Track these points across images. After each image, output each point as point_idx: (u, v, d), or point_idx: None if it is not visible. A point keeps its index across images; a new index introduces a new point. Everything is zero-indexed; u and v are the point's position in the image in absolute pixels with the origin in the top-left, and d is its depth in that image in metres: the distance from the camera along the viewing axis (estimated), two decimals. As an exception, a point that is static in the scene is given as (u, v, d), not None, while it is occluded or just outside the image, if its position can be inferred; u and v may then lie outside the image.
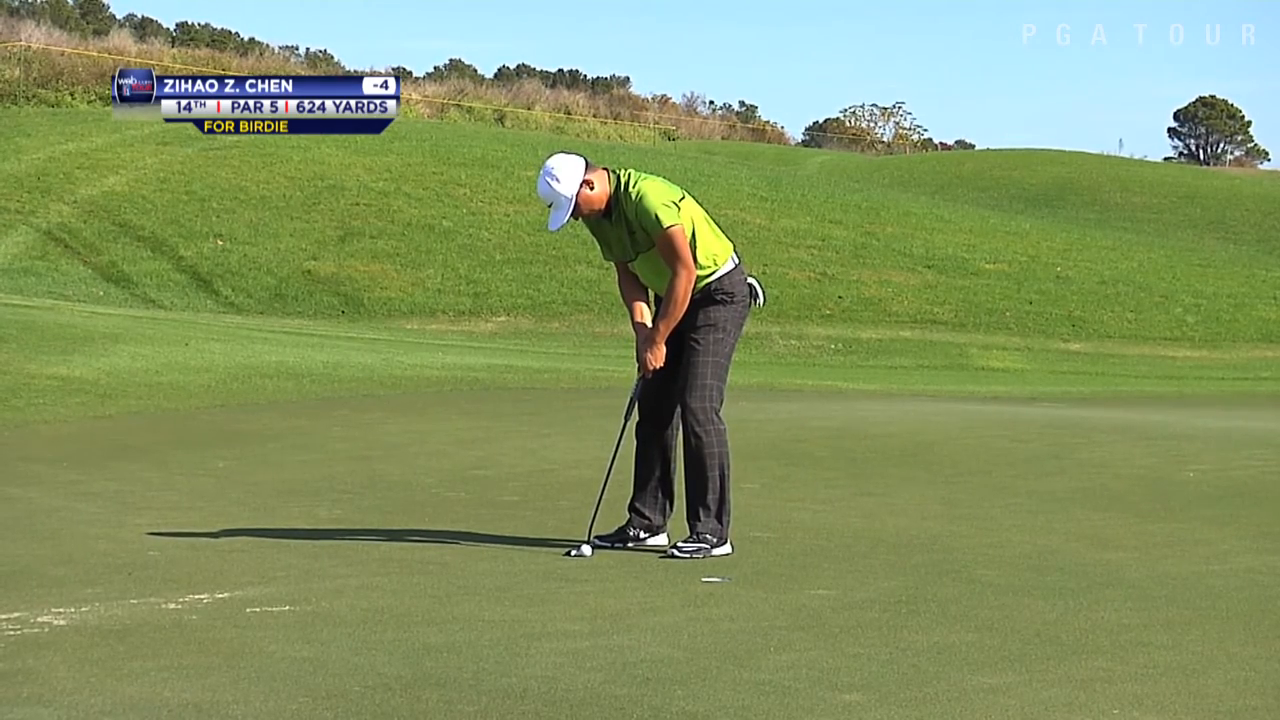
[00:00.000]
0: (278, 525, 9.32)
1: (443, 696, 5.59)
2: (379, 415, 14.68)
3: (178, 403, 15.06)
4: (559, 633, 6.56)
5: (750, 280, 8.71)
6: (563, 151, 8.70)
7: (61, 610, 6.90)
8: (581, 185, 8.43)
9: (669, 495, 8.75)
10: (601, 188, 8.47)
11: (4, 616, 6.74)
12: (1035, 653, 6.32)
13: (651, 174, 8.66)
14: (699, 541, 8.43)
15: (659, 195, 8.44)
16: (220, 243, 30.89)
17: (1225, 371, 27.80)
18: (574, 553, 8.36)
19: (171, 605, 7.04)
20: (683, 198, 8.54)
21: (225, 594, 7.30)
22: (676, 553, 8.32)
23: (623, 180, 8.50)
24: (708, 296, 8.56)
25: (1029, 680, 5.90)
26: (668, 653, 6.23)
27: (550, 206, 8.50)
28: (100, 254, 30.01)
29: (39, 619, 6.72)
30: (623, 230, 8.51)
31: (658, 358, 8.50)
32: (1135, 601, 7.35)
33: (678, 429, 8.67)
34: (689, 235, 8.44)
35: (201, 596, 7.23)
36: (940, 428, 14.42)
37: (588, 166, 8.49)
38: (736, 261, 8.67)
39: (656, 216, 8.37)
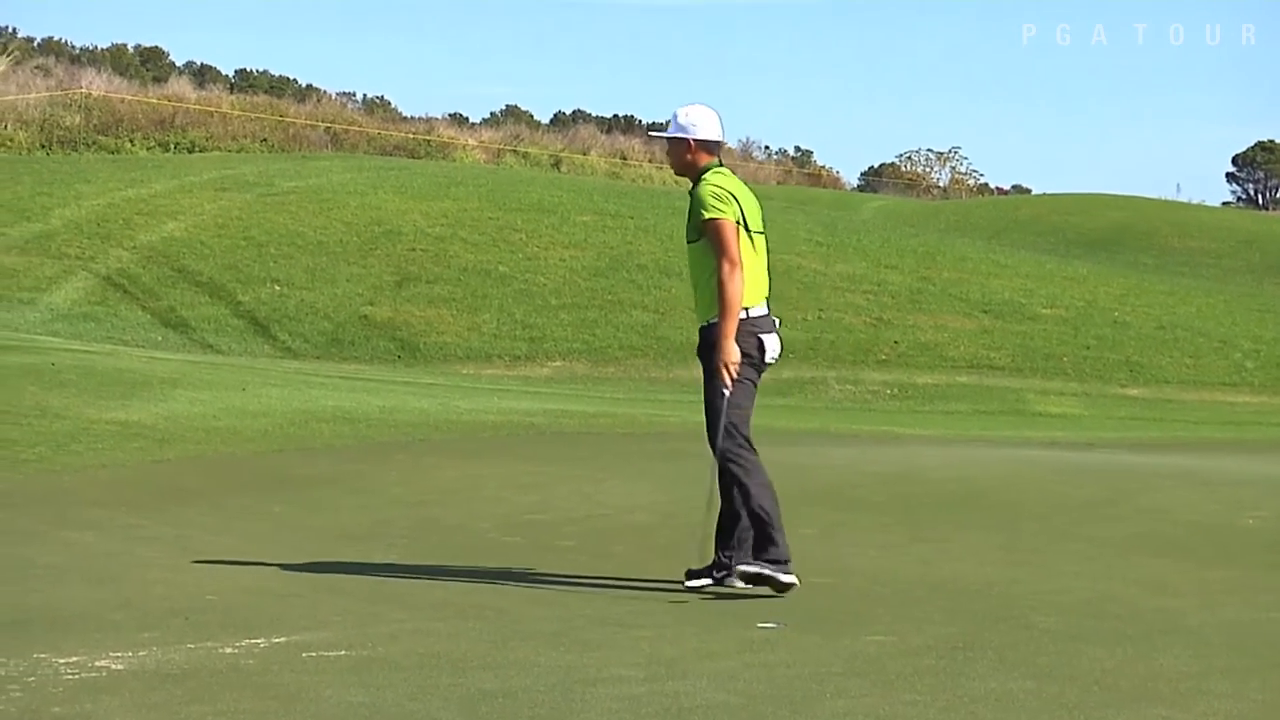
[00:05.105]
0: (333, 570, 9.34)
1: (498, 742, 5.58)
2: (435, 460, 14.70)
3: (235, 447, 15.12)
4: (615, 678, 6.55)
5: (763, 336, 8.54)
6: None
7: (119, 654, 6.93)
8: (694, 142, 8.71)
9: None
10: (693, 161, 8.70)
11: (62, 660, 6.78)
12: (1094, 700, 6.26)
13: (741, 182, 8.69)
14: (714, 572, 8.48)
15: (717, 186, 8.47)
16: (278, 288, 31.05)
17: (1285, 417, 27.54)
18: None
19: (228, 650, 7.06)
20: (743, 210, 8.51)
21: (282, 638, 7.31)
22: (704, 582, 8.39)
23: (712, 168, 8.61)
24: (707, 340, 8.50)
25: (1088, 728, 5.85)
26: (724, 699, 6.21)
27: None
28: (159, 299, 30.20)
29: (97, 663, 6.75)
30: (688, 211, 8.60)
31: (728, 353, 8.28)
32: (1195, 649, 7.29)
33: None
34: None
35: (258, 641, 7.25)
36: (997, 473, 14.33)
37: (709, 146, 8.70)
38: (762, 313, 8.54)
39: (704, 205, 8.41)
